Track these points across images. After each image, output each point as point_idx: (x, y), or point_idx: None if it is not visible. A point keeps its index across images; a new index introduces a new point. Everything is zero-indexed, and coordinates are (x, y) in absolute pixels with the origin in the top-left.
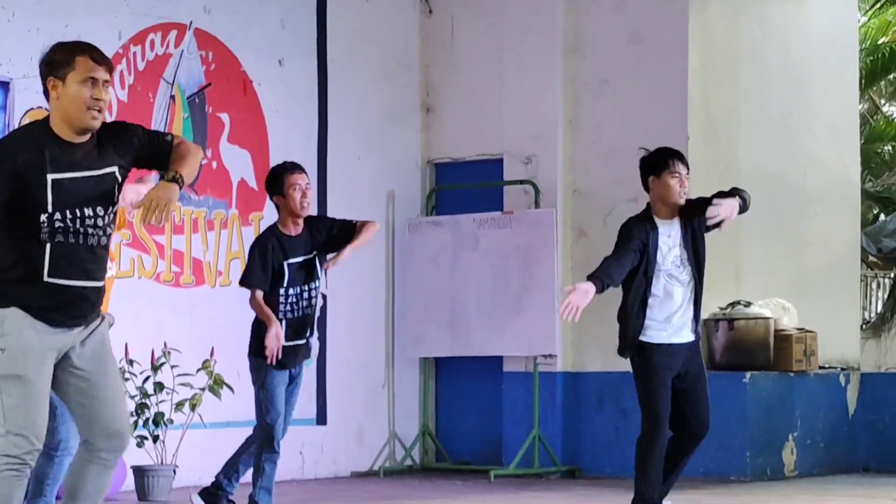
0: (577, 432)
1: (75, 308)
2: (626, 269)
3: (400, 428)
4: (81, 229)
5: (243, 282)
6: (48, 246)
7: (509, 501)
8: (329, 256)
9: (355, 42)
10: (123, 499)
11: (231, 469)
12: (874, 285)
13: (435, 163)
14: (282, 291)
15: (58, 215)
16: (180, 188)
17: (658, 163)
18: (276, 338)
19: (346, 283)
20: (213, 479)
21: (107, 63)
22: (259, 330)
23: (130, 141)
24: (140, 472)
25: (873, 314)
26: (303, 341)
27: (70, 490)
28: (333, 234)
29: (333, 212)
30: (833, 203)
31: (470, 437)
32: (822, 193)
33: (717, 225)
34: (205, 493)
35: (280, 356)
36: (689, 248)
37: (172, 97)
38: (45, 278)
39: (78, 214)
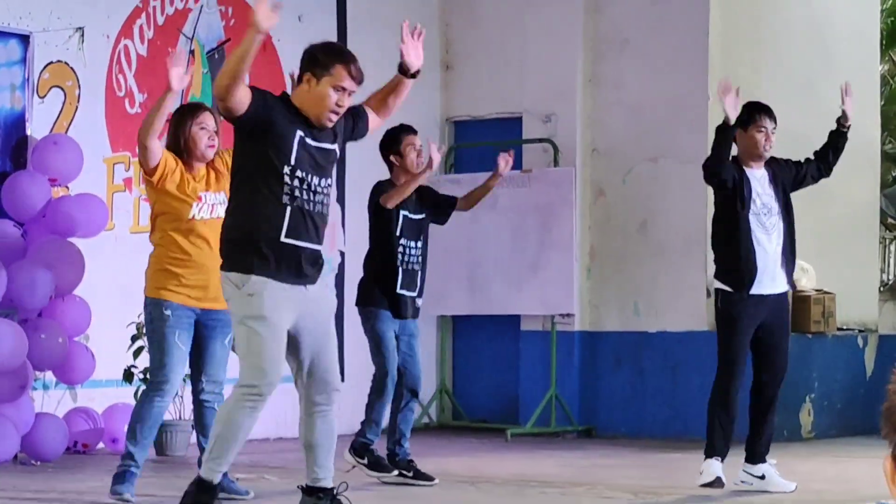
0: (594, 391)
1: (304, 267)
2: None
3: None
4: (312, 196)
5: (383, 196)
6: (288, 209)
7: (526, 460)
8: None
9: None
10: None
11: (392, 436)
12: (893, 247)
13: (454, 121)
14: (398, 239)
15: (298, 172)
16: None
17: (745, 117)
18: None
19: (364, 240)
20: (387, 454)
21: (360, 78)
22: (370, 282)
23: (342, 123)
24: (160, 428)
25: (892, 276)
26: (412, 294)
27: (307, 444)
28: (438, 205)
29: (352, 169)
30: (853, 164)
31: (487, 396)
32: (843, 153)
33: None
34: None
35: (392, 301)
36: (778, 197)
37: (192, 52)
38: (282, 239)
39: (309, 179)
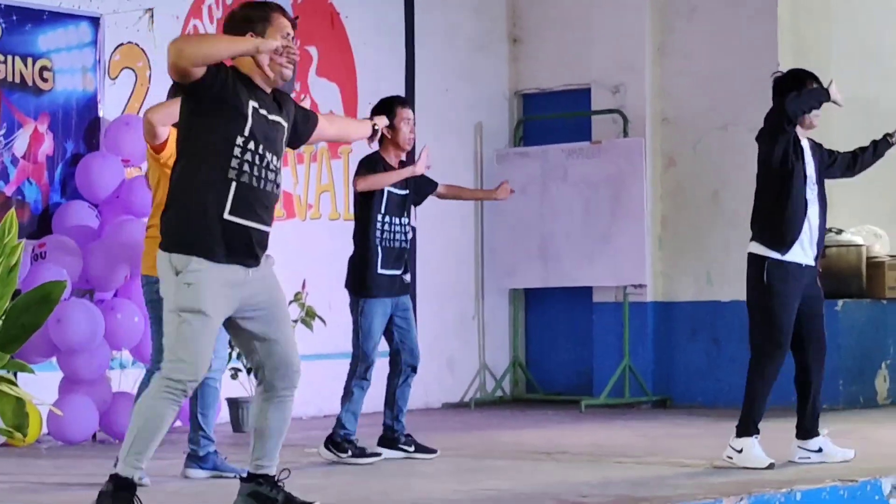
0: (668, 362)
1: (249, 249)
2: None
3: (490, 359)
4: (262, 172)
5: (358, 179)
6: (233, 184)
7: (600, 431)
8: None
9: None
10: (218, 430)
11: (391, 412)
12: None
13: (523, 93)
14: (379, 217)
15: (251, 145)
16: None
17: (794, 85)
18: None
19: (435, 215)
20: (386, 429)
21: (294, 21)
22: (357, 264)
23: (293, 108)
24: (234, 404)
25: None
26: (398, 272)
27: (258, 430)
28: (420, 185)
29: (421, 142)
30: None
31: (560, 368)
32: None
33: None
34: (382, 441)
35: (377, 284)
36: (817, 170)
37: None
38: (226, 216)
39: (261, 152)
